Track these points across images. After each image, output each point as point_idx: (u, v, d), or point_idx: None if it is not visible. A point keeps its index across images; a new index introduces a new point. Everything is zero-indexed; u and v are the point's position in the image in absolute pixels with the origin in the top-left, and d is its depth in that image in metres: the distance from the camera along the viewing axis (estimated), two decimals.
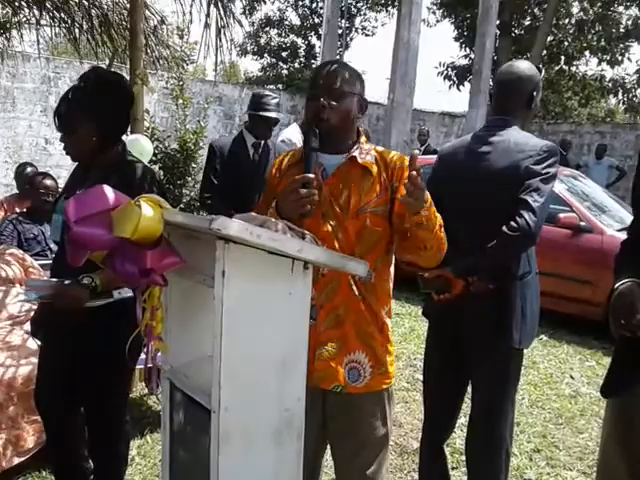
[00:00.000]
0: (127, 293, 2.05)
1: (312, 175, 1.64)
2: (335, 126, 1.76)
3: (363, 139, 1.85)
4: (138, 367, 2.81)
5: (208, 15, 4.12)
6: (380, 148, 1.87)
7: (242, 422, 1.36)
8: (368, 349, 1.78)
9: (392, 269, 1.89)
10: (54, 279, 2.20)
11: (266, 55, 19.79)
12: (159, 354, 1.57)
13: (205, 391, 1.38)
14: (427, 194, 1.60)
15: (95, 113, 2.15)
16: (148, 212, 1.30)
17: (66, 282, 2.05)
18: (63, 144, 2.23)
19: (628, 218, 5.56)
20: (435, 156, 2.53)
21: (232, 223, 1.20)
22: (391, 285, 1.89)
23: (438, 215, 1.72)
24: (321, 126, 1.73)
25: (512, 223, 2.08)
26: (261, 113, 3.80)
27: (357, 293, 1.76)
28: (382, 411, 1.84)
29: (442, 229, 1.74)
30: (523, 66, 2.33)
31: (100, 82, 2.20)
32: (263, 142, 3.91)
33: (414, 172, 1.52)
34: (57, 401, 2.30)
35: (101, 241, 1.34)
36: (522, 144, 2.17)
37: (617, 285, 1.59)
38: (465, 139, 2.39)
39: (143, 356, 1.54)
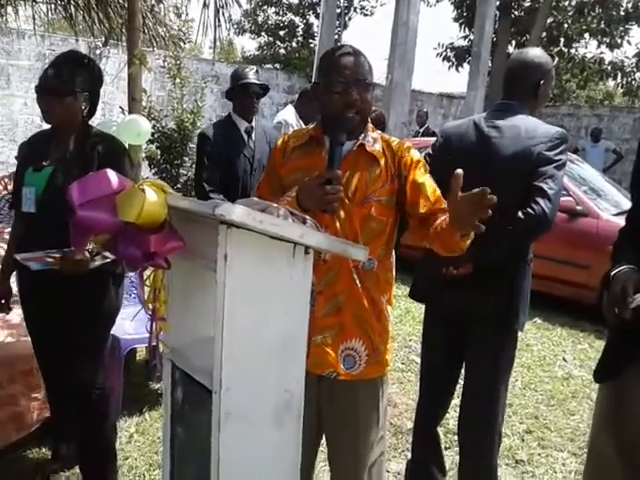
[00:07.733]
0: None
1: (339, 172, 1.63)
2: (364, 118, 1.75)
3: (370, 126, 1.83)
4: (141, 346, 2.83)
5: None
6: (386, 136, 1.86)
7: (242, 402, 1.39)
8: (365, 337, 1.78)
9: (393, 258, 1.89)
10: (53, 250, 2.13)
11: (263, 34, 19.58)
12: (162, 334, 1.60)
13: (206, 372, 1.40)
14: None
15: (94, 83, 2.33)
16: (152, 197, 1.31)
17: (65, 250, 2.05)
18: (45, 106, 2.23)
19: (624, 202, 5.55)
20: (434, 138, 2.50)
21: (235, 209, 1.22)
22: (393, 274, 1.89)
23: None
24: (352, 120, 1.71)
25: (529, 210, 2.09)
26: (239, 82, 3.47)
27: (358, 281, 1.76)
28: (375, 399, 1.85)
29: None
30: (533, 54, 2.32)
31: (92, 61, 2.41)
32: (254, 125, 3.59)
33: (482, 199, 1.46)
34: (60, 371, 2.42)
35: (106, 225, 1.36)
36: (532, 130, 2.17)
37: (614, 272, 1.61)
38: (469, 121, 2.36)
39: (146, 335, 1.56)
